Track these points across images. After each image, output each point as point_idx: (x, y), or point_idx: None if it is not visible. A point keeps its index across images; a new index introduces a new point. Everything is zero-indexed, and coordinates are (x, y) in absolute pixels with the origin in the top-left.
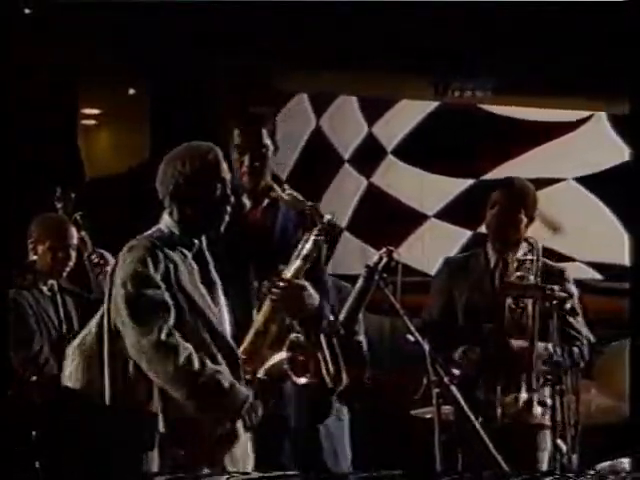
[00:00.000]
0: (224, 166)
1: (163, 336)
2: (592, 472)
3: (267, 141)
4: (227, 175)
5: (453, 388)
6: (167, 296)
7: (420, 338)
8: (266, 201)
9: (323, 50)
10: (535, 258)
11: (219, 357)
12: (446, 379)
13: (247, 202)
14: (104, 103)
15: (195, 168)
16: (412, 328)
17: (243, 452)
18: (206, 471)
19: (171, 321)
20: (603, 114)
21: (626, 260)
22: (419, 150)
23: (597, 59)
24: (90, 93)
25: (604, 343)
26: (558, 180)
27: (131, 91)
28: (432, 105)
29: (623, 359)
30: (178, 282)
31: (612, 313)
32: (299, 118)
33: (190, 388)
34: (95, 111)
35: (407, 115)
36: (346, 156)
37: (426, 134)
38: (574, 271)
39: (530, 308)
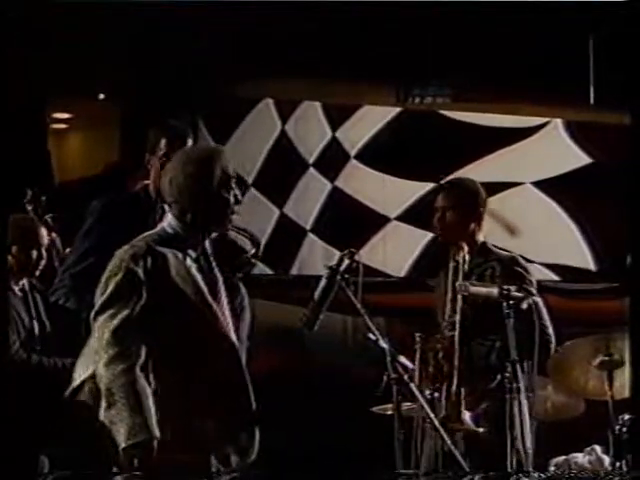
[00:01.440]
0: (229, 166)
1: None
2: (552, 468)
3: None
4: (232, 175)
5: (412, 385)
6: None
7: (380, 337)
8: None
9: (289, 57)
10: (484, 259)
11: (214, 354)
12: (405, 377)
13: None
14: (74, 107)
15: (199, 169)
16: (372, 327)
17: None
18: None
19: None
20: (559, 120)
21: (580, 262)
22: (381, 154)
23: (555, 66)
24: (60, 97)
25: (559, 342)
26: (516, 184)
27: (101, 96)
28: (394, 111)
29: (578, 357)
30: (169, 279)
31: (567, 313)
32: (265, 123)
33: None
34: (65, 115)
35: (370, 120)
36: (310, 160)
37: (388, 139)
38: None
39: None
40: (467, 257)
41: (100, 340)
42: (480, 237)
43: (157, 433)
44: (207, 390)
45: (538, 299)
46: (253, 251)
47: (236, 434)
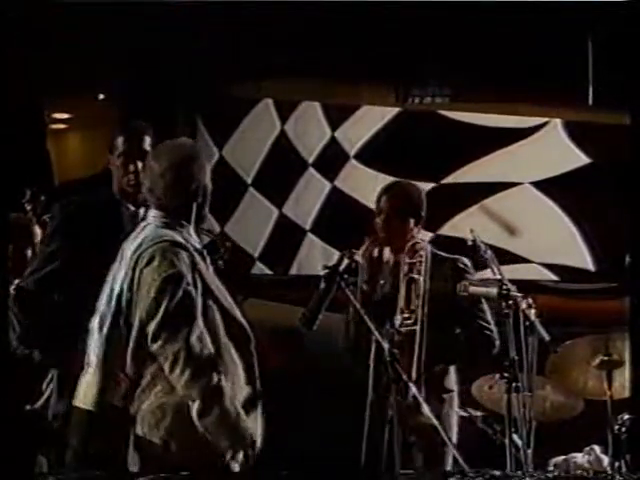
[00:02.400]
0: (203, 159)
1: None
2: (551, 468)
3: (148, 148)
4: (207, 168)
5: (411, 385)
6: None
7: (380, 337)
8: (142, 209)
9: (288, 57)
10: (424, 259)
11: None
12: (404, 376)
13: (132, 208)
14: (74, 107)
15: (176, 163)
16: (372, 327)
17: None
18: None
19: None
20: (558, 121)
21: (579, 262)
22: (380, 154)
23: (554, 66)
24: (60, 97)
25: (558, 341)
26: (514, 184)
27: (101, 96)
28: (393, 111)
29: (577, 357)
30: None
31: (566, 313)
32: (264, 123)
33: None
34: (65, 115)
35: (369, 121)
36: (310, 160)
37: (387, 139)
38: (530, 273)
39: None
40: (406, 259)
41: (172, 361)
42: (422, 238)
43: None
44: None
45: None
46: (219, 253)
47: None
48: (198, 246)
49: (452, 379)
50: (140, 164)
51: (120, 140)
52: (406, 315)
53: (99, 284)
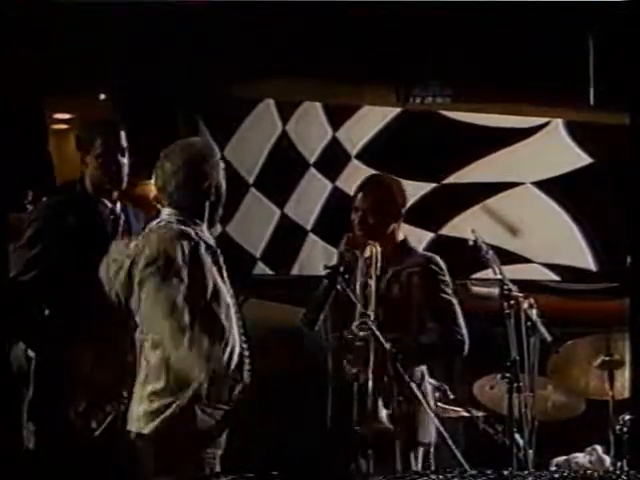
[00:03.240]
0: (217, 158)
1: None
2: (553, 468)
3: (125, 143)
4: (220, 167)
5: (413, 385)
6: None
7: (382, 337)
8: (119, 205)
9: (289, 57)
10: (373, 261)
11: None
12: (406, 377)
13: (109, 205)
14: (75, 108)
15: (189, 161)
16: (374, 327)
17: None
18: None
19: None
20: (560, 120)
21: (581, 262)
22: (382, 155)
23: (555, 66)
24: (61, 98)
25: (560, 342)
26: (516, 184)
27: (102, 96)
28: (394, 111)
29: (579, 357)
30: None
31: (568, 313)
32: (265, 123)
33: None
34: (66, 116)
35: (370, 121)
36: (311, 160)
37: (388, 139)
38: (532, 273)
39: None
40: (379, 256)
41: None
42: (400, 236)
43: None
44: None
45: (454, 299)
46: None
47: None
48: (211, 243)
49: (425, 380)
50: (122, 160)
51: (99, 141)
52: (362, 320)
53: (87, 283)
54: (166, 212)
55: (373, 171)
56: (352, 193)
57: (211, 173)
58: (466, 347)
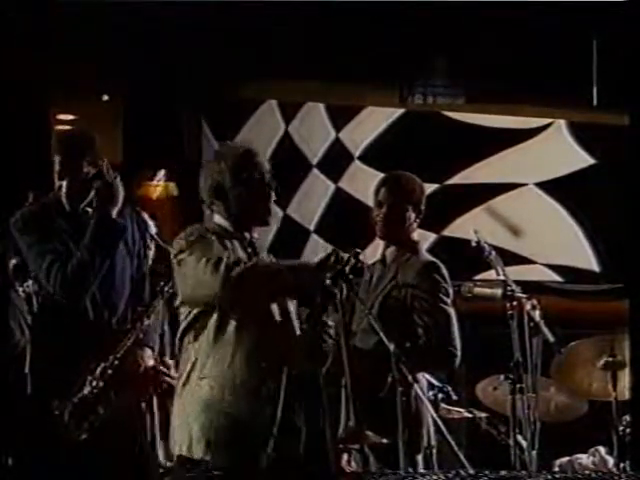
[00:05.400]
0: (263, 162)
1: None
2: (556, 469)
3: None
4: (266, 170)
5: (416, 386)
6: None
7: (385, 338)
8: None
9: (292, 58)
10: (409, 260)
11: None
12: (409, 377)
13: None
14: (77, 108)
15: (235, 166)
16: (377, 328)
17: None
18: None
19: None
20: (562, 122)
21: (584, 263)
22: (384, 155)
23: (558, 68)
24: (63, 98)
25: (563, 343)
26: (519, 185)
27: (105, 97)
28: (397, 112)
29: (582, 358)
30: None
31: (571, 314)
32: (268, 124)
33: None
34: (69, 116)
35: (373, 121)
36: (314, 161)
37: (391, 140)
38: (535, 274)
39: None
40: (390, 256)
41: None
42: (415, 237)
43: None
44: None
45: (450, 310)
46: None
47: None
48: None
49: (423, 384)
50: (92, 170)
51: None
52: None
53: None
54: (215, 217)
55: (376, 172)
56: (374, 189)
57: (254, 175)
58: (457, 360)
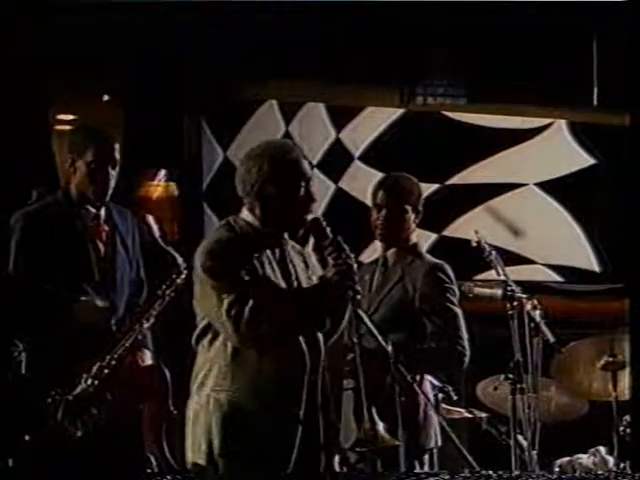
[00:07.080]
0: (306, 164)
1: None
2: (556, 469)
3: (118, 156)
4: (309, 172)
5: (415, 386)
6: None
7: (382, 339)
8: (104, 209)
9: (293, 58)
10: (411, 261)
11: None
12: (408, 378)
13: (92, 210)
14: (78, 108)
15: (278, 166)
16: (374, 330)
17: None
18: None
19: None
20: (563, 122)
21: (584, 263)
22: (385, 156)
23: (559, 67)
24: (64, 98)
25: (563, 343)
26: (519, 185)
27: (105, 97)
28: (397, 112)
29: (582, 358)
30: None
31: (571, 314)
32: (268, 124)
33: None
34: (70, 116)
35: (373, 122)
36: (314, 161)
37: (392, 140)
38: (535, 274)
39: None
40: (391, 258)
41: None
42: (414, 238)
43: None
44: None
45: (458, 310)
46: (175, 273)
47: None
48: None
49: (427, 386)
50: (111, 172)
51: (91, 149)
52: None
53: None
54: (245, 213)
55: (376, 172)
56: (371, 192)
57: (296, 176)
58: (466, 360)
